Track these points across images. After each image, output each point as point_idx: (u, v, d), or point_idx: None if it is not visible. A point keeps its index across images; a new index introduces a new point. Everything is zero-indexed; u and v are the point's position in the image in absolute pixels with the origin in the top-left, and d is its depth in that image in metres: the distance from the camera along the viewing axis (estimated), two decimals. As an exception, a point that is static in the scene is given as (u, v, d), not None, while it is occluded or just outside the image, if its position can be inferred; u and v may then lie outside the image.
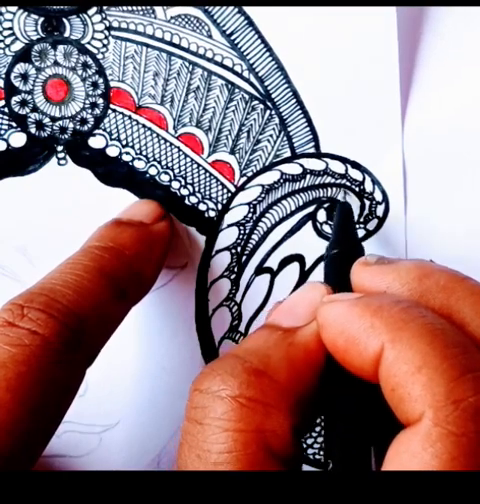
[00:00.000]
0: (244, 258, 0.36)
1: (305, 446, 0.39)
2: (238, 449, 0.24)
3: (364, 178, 0.36)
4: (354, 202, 0.36)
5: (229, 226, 0.36)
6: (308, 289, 0.29)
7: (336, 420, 0.27)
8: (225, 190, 0.36)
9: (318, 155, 0.36)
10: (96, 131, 0.35)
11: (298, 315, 0.27)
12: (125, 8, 0.34)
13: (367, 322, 0.25)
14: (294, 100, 0.35)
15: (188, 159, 0.36)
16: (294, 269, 0.37)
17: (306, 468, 0.39)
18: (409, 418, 0.23)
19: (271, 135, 0.35)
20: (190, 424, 0.26)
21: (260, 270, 0.37)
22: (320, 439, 0.39)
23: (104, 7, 0.34)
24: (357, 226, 0.36)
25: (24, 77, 0.35)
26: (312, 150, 0.36)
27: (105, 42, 0.34)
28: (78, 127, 0.35)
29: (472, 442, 0.22)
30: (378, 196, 0.36)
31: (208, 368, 0.26)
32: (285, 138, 0.35)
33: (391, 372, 0.24)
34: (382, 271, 0.28)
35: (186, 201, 0.36)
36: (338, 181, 0.36)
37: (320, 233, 0.36)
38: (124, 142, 0.35)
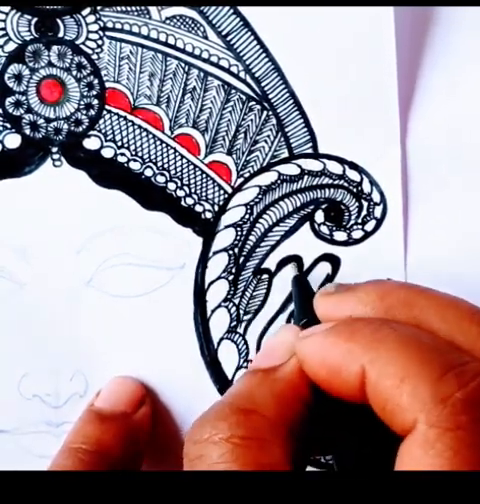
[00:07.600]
0: (242, 259, 0.36)
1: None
2: None
3: (362, 179, 0.36)
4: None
5: (226, 227, 0.36)
6: (282, 332, 0.30)
7: (337, 447, 0.27)
8: (222, 191, 0.36)
9: (316, 156, 0.35)
10: (91, 132, 0.35)
11: (276, 356, 0.28)
12: (119, 8, 0.33)
13: (343, 349, 0.25)
14: (291, 101, 0.34)
15: (184, 160, 0.35)
16: (292, 270, 0.36)
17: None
18: (405, 428, 0.23)
19: (268, 136, 0.35)
20: None
21: (258, 271, 0.36)
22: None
23: (98, 7, 0.33)
24: (355, 227, 0.36)
25: (18, 78, 0.34)
26: (310, 151, 0.35)
27: (100, 42, 0.34)
28: (73, 128, 0.35)
29: (469, 432, 0.22)
30: (376, 197, 0.36)
31: (197, 420, 0.27)
32: (282, 139, 0.35)
33: (377, 390, 0.24)
34: (343, 298, 0.29)
35: (182, 202, 0.36)
36: (336, 182, 0.36)
37: (318, 234, 0.36)
38: (119, 143, 0.35)
